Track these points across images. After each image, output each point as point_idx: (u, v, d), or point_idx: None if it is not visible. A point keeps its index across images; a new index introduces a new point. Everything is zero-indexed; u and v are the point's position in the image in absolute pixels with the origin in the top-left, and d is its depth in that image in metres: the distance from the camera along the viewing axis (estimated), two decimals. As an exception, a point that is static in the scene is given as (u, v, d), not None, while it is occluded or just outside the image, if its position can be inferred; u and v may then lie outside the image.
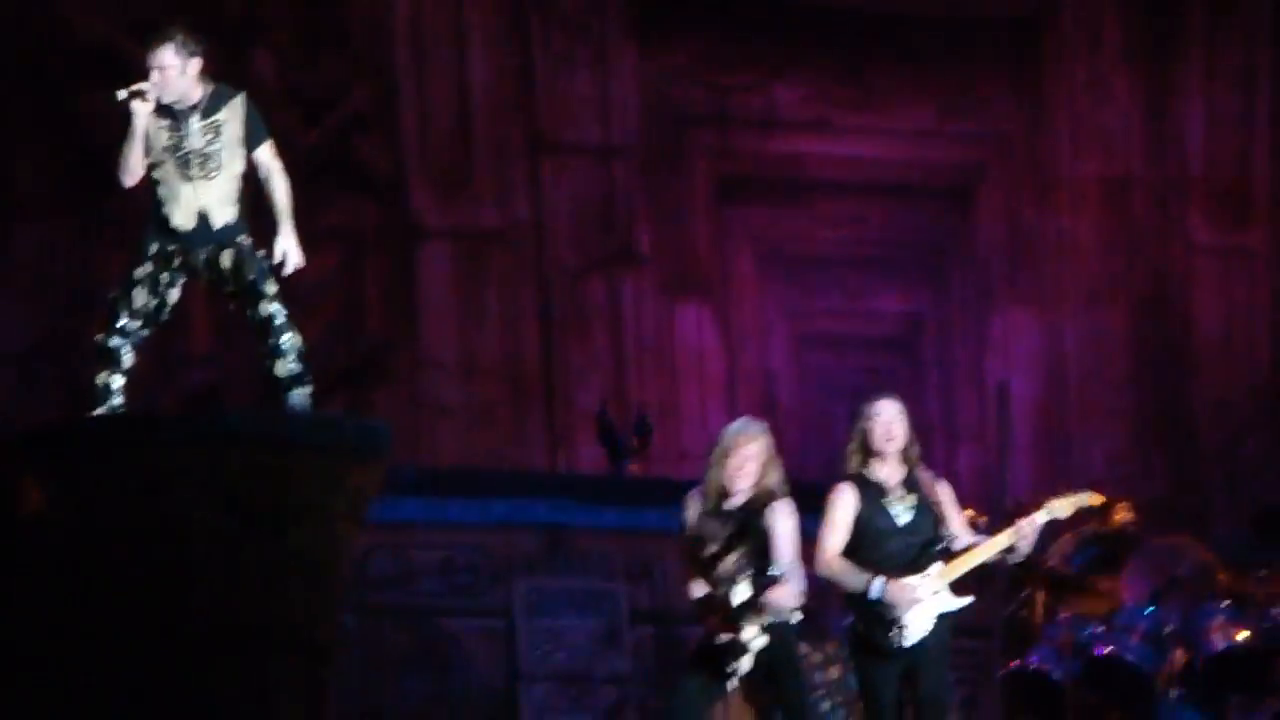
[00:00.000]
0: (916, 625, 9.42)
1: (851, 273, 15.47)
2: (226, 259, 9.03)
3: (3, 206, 13.90)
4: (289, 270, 9.09)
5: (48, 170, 13.96)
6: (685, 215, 15.29)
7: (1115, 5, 15.83)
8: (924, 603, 9.43)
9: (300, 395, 9.01)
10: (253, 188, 9.21)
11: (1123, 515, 12.62)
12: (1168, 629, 11.88)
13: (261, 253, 9.04)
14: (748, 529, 9.45)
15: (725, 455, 9.56)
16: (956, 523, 9.60)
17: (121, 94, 8.99)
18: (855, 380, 15.34)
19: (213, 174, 9.04)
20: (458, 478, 13.08)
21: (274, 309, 9.02)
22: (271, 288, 9.03)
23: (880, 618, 9.40)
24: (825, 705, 11.87)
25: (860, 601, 9.43)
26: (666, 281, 15.16)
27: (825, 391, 15.29)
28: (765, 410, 15.00)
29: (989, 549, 9.55)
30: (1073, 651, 11.94)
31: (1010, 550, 9.61)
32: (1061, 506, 9.75)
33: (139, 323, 9.03)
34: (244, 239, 9.05)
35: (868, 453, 9.59)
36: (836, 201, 15.43)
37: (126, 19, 13.55)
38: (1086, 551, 12.40)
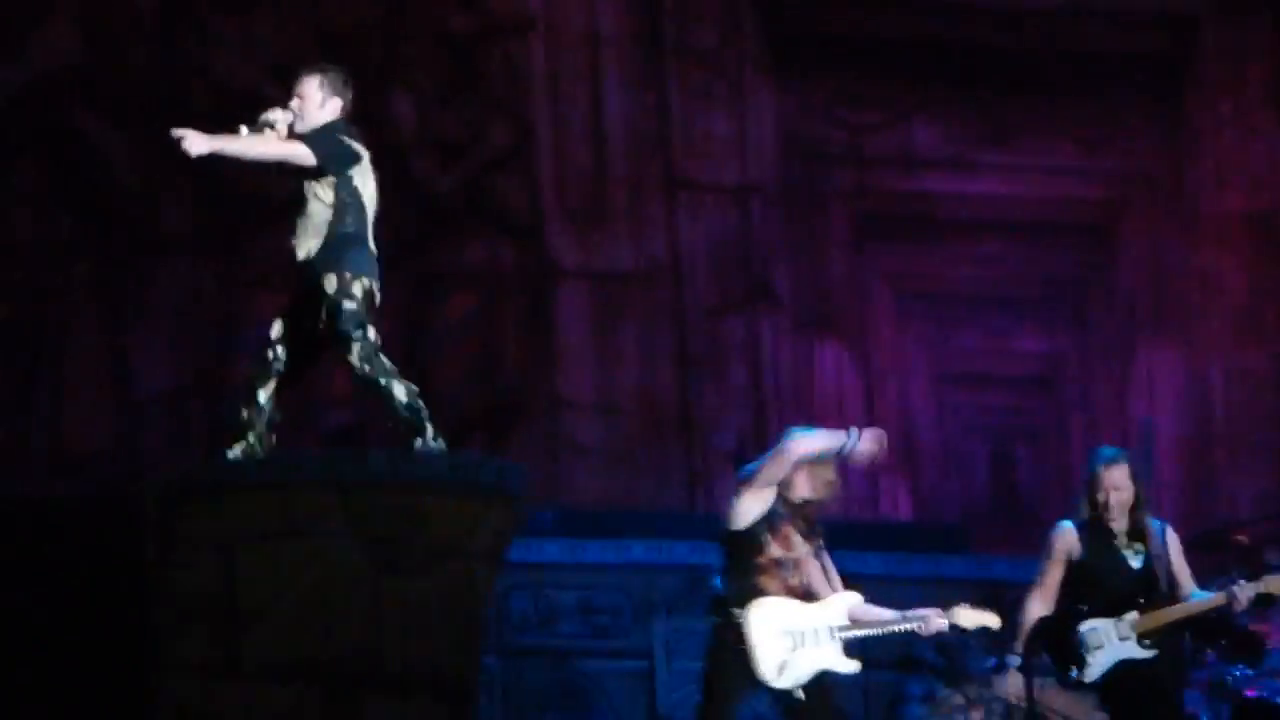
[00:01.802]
0: (1098, 664, 9.53)
1: (991, 312, 15.42)
2: (318, 299, 8.97)
3: (149, 247, 14.06)
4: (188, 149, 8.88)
5: (192, 212, 14.12)
6: (822, 254, 15.28)
7: (1259, 40, 15.73)
8: (1108, 647, 9.53)
9: (417, 445, 8.98)
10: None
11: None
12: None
13: (348, 300, 8.92)
14: None
15: None
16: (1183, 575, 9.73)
17: (244, 131, 9.04)
18: (995, 420, 15.33)
19: (303, 207, 9.06)
20: (596, 519, 13.12)
21: (354, 364, 8.91)
22: (355, 343, 8.89)
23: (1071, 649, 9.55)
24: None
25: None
26: (804, 321, 15.15)
27: (965, 431, 15.26)
28: (904, 451, 15.04)
29: (1194, 608, 9.65)
30: (1221, 694, 11.83)
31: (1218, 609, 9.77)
32: (1276, 582, 9.83)
33: (279, 359, 9.10)
34: (330, 278, 8.93)
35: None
36: (975, 240, 15.38)
37: (270, 63, 13.72)
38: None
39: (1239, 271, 15.59)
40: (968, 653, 10.94)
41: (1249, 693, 11.75)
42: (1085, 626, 9.70)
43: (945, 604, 10.87)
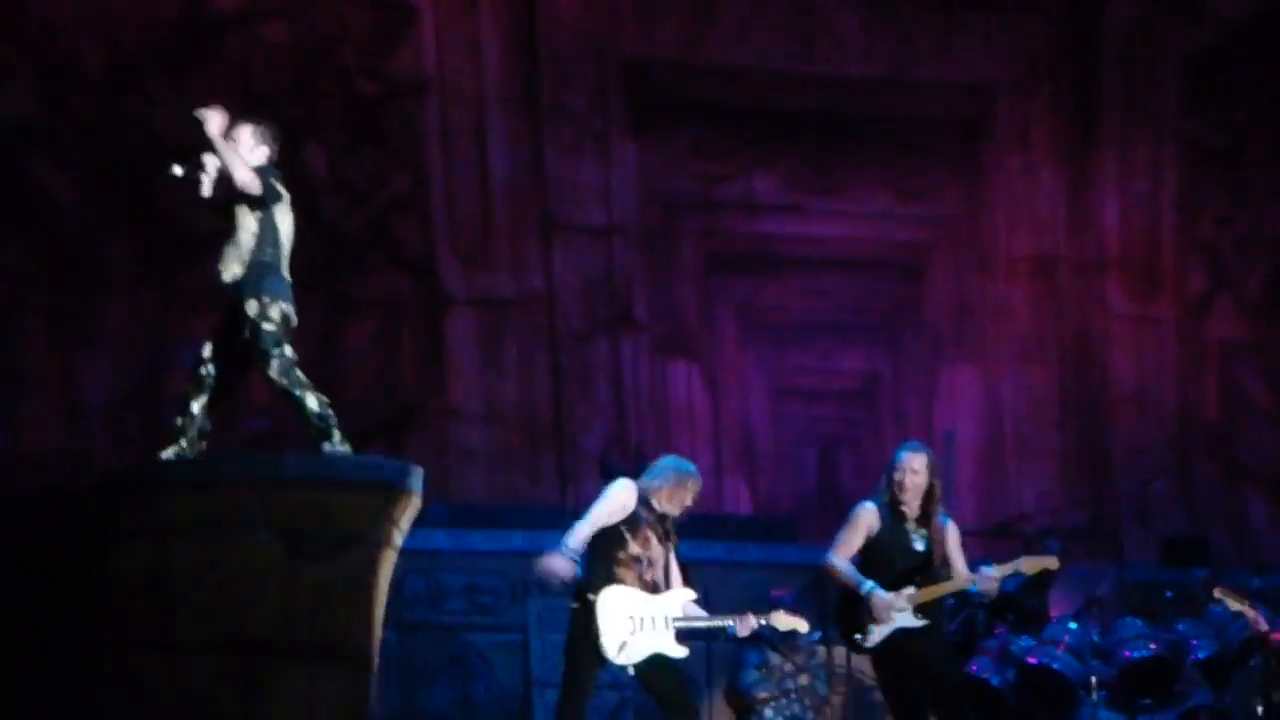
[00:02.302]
0: (879, 632, 9.49)
1: (819, 336, 15.42)
2: (241, 319, 8.90)
3: (94, 277, 13.92)
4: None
5: (131, 247, 13.99)
6: (677, 286, 15.28)
7: (1044, 107, 15.83)
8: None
9: (327, 449, 8.92)
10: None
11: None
12: (1088, 641, 11.89)
13: (267, 323, 8.87)
14: None
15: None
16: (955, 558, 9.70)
17: (177, 169, 9.01)
18: (822, 428, 15.35)
19: (230, 233, 9.00)
20: (480, 512, 13.07)
21: (273, 378, 8.85)
22: (274, 361, 8.84)
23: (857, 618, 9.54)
24: (796, 709, 11.86)
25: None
26: (660, 343, 15.13)
27: (796, 438, 15.28)
28: (745, 455, 15.08)
29: (951, 586, 9.62)
30: (1007, 661, 11.94)
31: (975, 591, 9.76)
32: (1029, 565, 9.86)
33: (207, 373, 9.07)
34: (252, 302, 8.87)
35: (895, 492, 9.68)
36: (807, 275, 15.40)
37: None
38: (1019, 576, 12.38)
39: (1025, 303, 15.69)
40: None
41: (1031, 660, 11.87)
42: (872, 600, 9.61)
43: (778, 586, 10.97)
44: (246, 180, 8.88)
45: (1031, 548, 12.41)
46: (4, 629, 8.66)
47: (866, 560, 9.54)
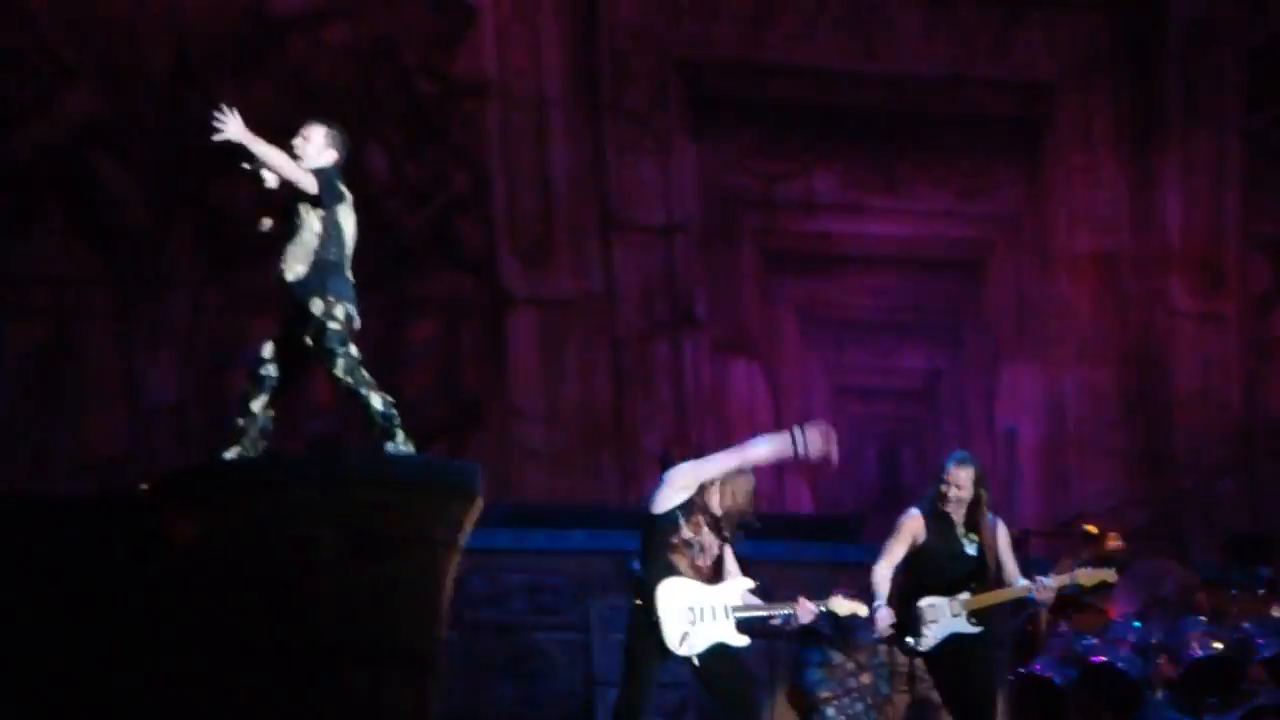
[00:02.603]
0: (933, 635, 9.52)
1: (880, 334, 15.40)
2: (305, 320, 8.89)
3: (159, 278, 14.00)
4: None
5: (196, 248, 14.07)
6: (737, 285, 15.27)
7: (1105, 104, 15.77)
8: (942, 622, 9.52)
9: (391, 449, 8.91)
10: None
11: (1113, 542, 12.58)
12: (1153, 640, 11.83)
13: (332, 322, 8.87)
14: None
15: None
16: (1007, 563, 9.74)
17: (245, 165, 8.95)
18: (883, 427, 15.33)
19: (291, 234, 8.96)
20: (542, 511, 13.10)
21: (339, 377, 8.84)
22: (340, 360, 8.83)
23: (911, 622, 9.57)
24: (859, 708, 11.85)
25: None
26: (720, 342, 15.13)
27: (858, 436, 15.26)
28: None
29: (1009, 594, 9.68)
30: (1071, 660, 11.91)
31: (1032, 599, 9.81)
32: (1086, 577, 9.90)
33: (271, 373, 9.05)
34: (316, 301, 8.87)
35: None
36: (867, 273, 15.37)
37: (264, 121, 13.67)
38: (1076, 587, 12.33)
39: (1087, 301, 15.62)
40: (858, 625, 10.96)
41: (1094, 659, 11.84)
42: (924, 602, 9.68)
43: (839, 585, 10.95)
44: (298, 178, 8.90)
45: (1093, 547, 12.39)
46: (68, 629, 8.72)
47: (918, 567, 9.61)
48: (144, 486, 9.16)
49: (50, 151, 13.92)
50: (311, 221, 8.98)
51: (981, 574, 9.59)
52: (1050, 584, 9.69)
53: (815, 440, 9.06)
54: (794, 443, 9.09)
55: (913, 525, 9.66)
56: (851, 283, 15.35)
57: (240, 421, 9.06)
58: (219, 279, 13.93)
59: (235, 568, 8.60)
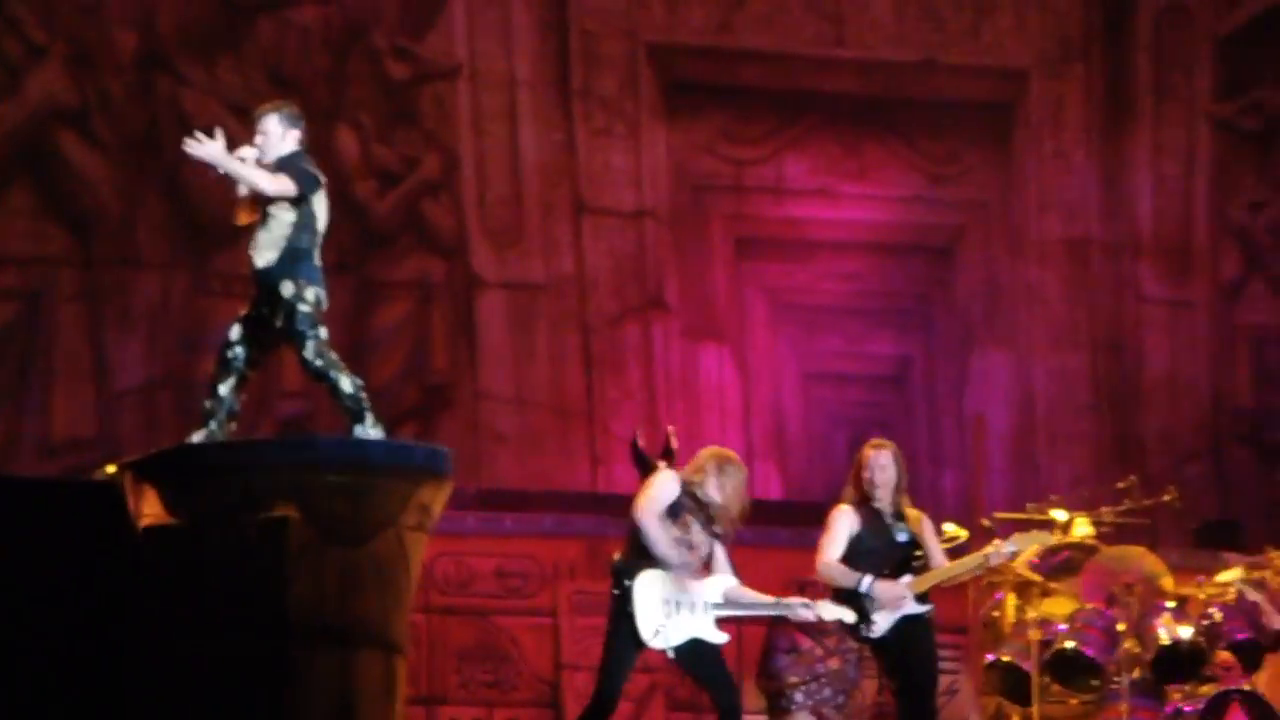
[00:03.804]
0: (885, 621, 9.64)
1: (850, 319, 15.39)
2: (275, 304, 8.89)
3: (127, 261, 13.96)
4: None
5: (165, 231, 14.03)
6: (707, 269, 15.26)
7: (1076, 90, 15.79)
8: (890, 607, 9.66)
9: (360, 431, 8.90)
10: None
11: (1081, 528, 12.61)
12: (1120, 626, 11.87)
13: (302, 304, 8.89)
14: None
15: None
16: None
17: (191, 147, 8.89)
18: (854, 412, 15.33)
19: (264, 220, 8.93)
20: (511, 496, 13.08)
21: (308, 360, 8.85)
22: (310, 342, 8.83)
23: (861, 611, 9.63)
24: (827, 693, 11.86)
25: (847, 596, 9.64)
26: (691, 327, 15.11)
27: (828, 422, 15.26)
28: (776, 439, 15.06)
29: (959, 567, 9.78)
30: (1039, 646, 11.92)
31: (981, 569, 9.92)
32: (1022, 541, 10.00)
33: (236, 357, 9.01)
34: (288, 284, 8.88)
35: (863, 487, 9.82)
36: (837, 258, 15.36)
37: (231, 103, 13.66)
38: (1051, 559, 12.39)
39: (1057, 286, 15.63)
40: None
41: (1063, 645, 11.85)
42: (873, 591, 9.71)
43: (808, 572, 10.97)
44: (279, 189, 8.86)
45: (1065, 533, 12.44)
46: (36, 614, 8.69)
47: (856, 561, 9.66)
48: (112, 469, 9.13)
49: (19, 133, 13.86)
50: (283, 209, 8.94)
51: (916, 558, 9.71)
52: (1001, 555, 9.84)
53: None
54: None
55: (847, 519, 9.74)
56: (822, 268, 15.34)
57: (208, 404, 9.05)
58: (188, 261, 13.89)
59: (203, 551, 8.59)
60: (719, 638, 9.29)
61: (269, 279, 8.91)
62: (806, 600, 9.62)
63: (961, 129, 15.54)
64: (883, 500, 9.78)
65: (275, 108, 9.12)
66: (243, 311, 9.05)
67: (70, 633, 8.64)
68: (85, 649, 8.63)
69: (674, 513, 9.29)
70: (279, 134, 9.03)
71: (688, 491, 9.35)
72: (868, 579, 9.57)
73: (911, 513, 9.87)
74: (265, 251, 8.92)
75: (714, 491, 9.39)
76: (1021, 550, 10.17)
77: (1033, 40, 15.69)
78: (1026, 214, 15.62)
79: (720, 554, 9.46)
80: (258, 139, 9.02)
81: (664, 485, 9.34)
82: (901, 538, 9.76)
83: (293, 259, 8.91)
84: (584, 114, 14.91)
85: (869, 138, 15.36)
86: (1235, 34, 15.86)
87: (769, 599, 9.54)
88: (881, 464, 9.80)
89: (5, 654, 8.80)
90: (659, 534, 9.19)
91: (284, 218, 8.94)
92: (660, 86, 15.06)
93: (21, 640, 8.73)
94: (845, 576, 9.63)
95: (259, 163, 8.93)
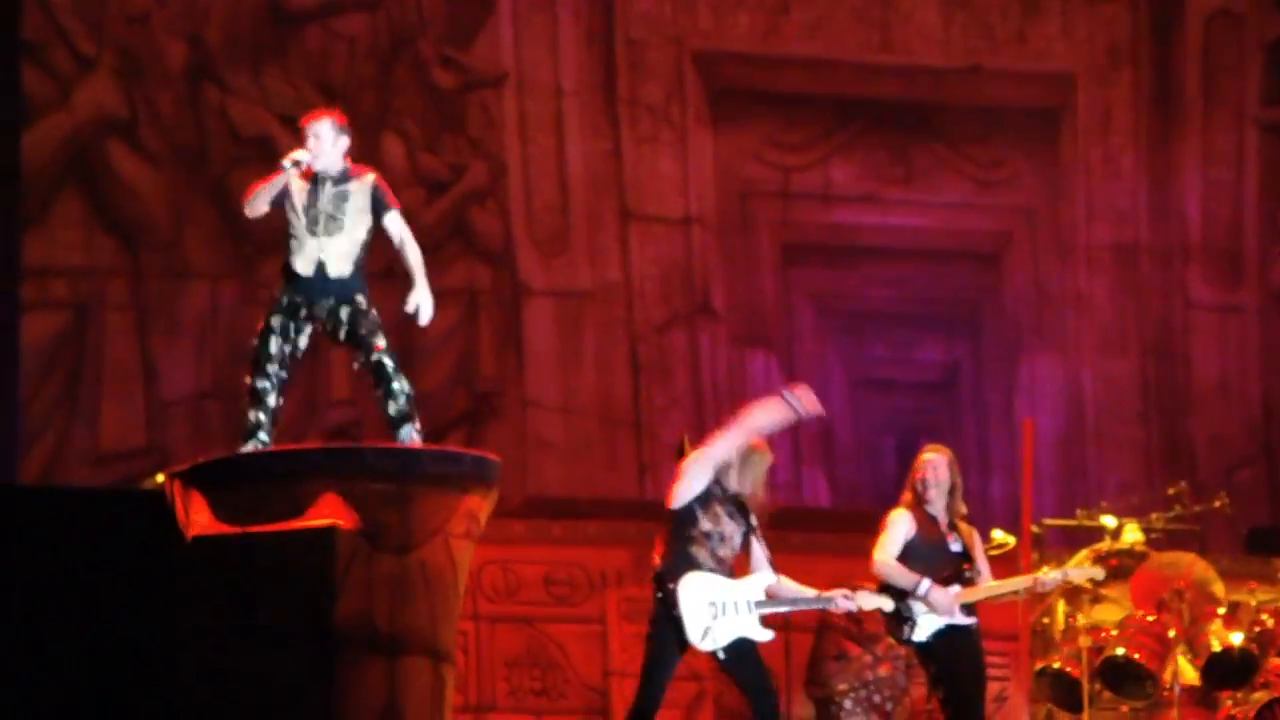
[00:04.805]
0: (927, 626, 9.67)
1: (898, 326, 15.37)
2: (344, 312, 9.09)
3: (176, 270, 14.02)
4: (423, 321, 9.17)
5: (213, 241, 14.08)
6: (754, 276, 15.25)
7: (1124, 94, 15.74)
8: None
9: (408, 431, 9.05)
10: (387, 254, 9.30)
11: (1132, 534, 12.57)
12: (1171, 633, 11.82)
13: (373, 311, 9.08)
14: None
15: None
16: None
17: (286, 161, 9.09)
18: (902, 419, 15.31)
19: (334, 232, 9.08)
20: (559, 503, 13.09)
21: (384, 358, 9.07)
22: (382, 340, 9.09)
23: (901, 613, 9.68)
24: (876, 699, 11.84)
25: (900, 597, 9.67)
26: (738, 333, 15.11)
27: (876, 428, 15.23)
28: (824, 446, 15.04)
29: (1006, 586, 9.84)
30: (1090, 652, 11.89)
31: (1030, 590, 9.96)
32: (1078, 576, 10.05)
33: (276, 366, 9.08)
34: (360, 296, 9.09)
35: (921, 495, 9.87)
36: (884, 264, 15.34)
37: (279, 112, 13.71)
38: (1100, 565, 12.34)
39: (1105, 292, 15.58)
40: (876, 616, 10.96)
41: (1113, 652, 11.80)
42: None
43: (857, 578, 10.95)
44: (414, 262, 9.15)
45: (1116, 539, 12.42)
46: (86, 621, 8.73)
47: (907, 565, 9.70)
48: (160, 478, 9.17)
49: (70, 143, 13.93)
50: (361, 225, 9.11)
51: (970, 568, 9.74)
52: (1048, 582, 9.88)
53: (806, 398, 9.38)
54: (789, 404, 9.25)
55: (904, 521, 9.77)
56: (869, 274, 15.32)
57: (256, 417, 9.08)
58: (237, 271, 13.95)
59: (252, 560, 8.61)
60: (765, 635, 9.32)
61: (344, 290, 9.06)
62: (846, 590, 9.64)
63: (1008, 134, 15.51)
64: (935, 505, 9.82)
65: (327, 112, 9.23)
66: (275, 322, 9.09)
67: (119, 643, 8.67)
68: (134, 659, 8.66)
69: (704, 502, 9.32)
70: (330, 139, 9.17)
71: (716, 480, 9.39)
72: (926, 582, 9.61)
73: (963, 526, 9.90)
74: (341, 263, 9.04)
75: (735, 482, 9.42)
76: (1071, 579, 10.23)
77: (1080, 45, 15.64)
78: (1075, 219, 15.57)
79: (759, 550, 9.48)
80: (311, 143, 9.13)
81: (693, 465, 9.37)
82: (955, 548, 9.82)
83: (360, 272, 9.13)
84: (630, 121, 14.93)
85: (916, 144, 15.34)
86: (1284, 38, 15.81)
87: (810, 592, 9.57)
88: (935, 466, 9.84)
89: (56, 663, 8.84)
90: (713, 452, 9.17)
91: (360, 233, 9.12)
92: (706, 93, 15.06)
93: (71, 650, 8.77)
94: (904, 577, 9.68)
95: (310, 166, 9.05)
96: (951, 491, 9.84)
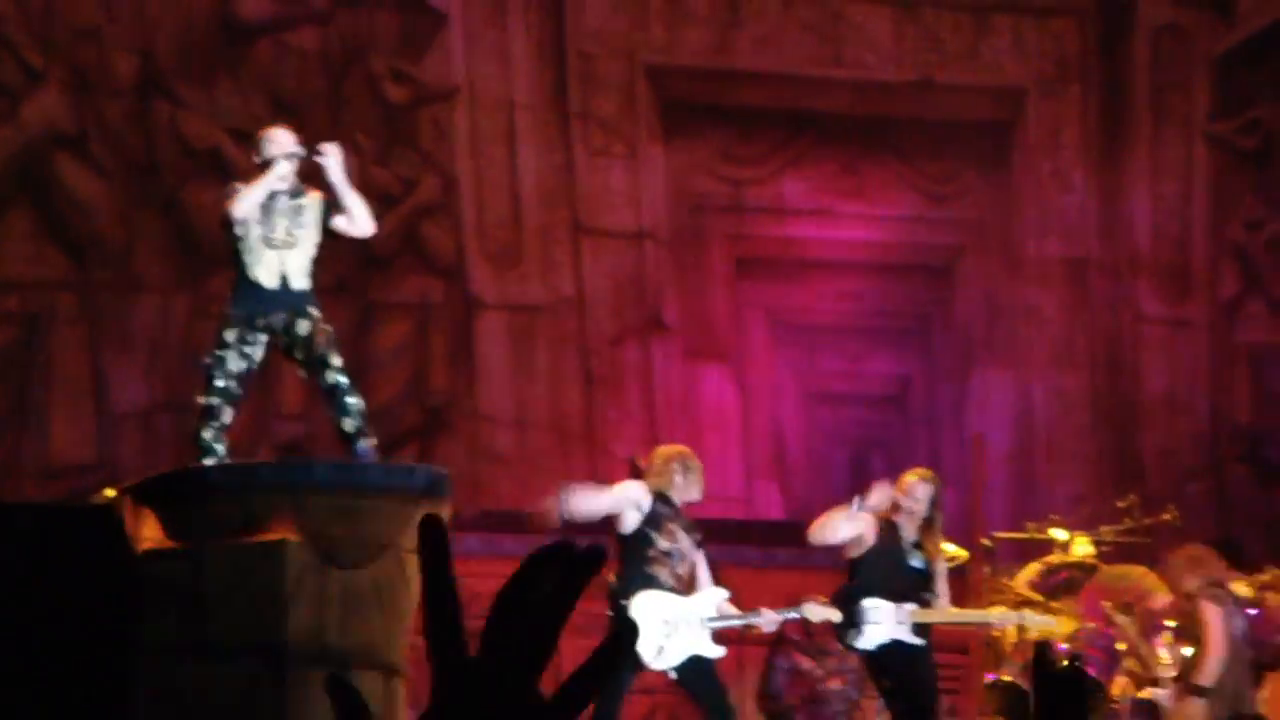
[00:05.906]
0: (874, 636, 9.72)
1: (850, 339, 15.43)
2: (302, 326, 9.08)
3: (127, 283, 13.98)
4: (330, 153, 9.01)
5: (164, 254, 14.05)
6: (706, 289, 15.28)
7: (1074, 109, 15.83)
8: (885, 625, 9.70)
9: (364, 446, 9.06)
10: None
11: (1082, 547, 12.62)
12: (1121, 646, 11.86)
13: (329, 326, 9.11)
14: None
15: None
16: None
17: (282, 158, 9.09)
18: (853, 431, 15.34)
19: (292, 246, 9.09)
20: (511, 516, 13.07)
21: (338, 377, 9.06)
22: (337, 359, 9.09)
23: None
24: (828, 713, 11.86)
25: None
26: (690, 347, 15.14)
27: (828, 442, 15.27)
28: (776, 458, 15.07)
29: (961, 617, 9.90)
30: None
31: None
32: (1035, 627, 10.11)
33: (233, 382, 9.07)
34: (315, 310, 9.11)
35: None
36: (836, 278, 15.39)
37: (230, 126, 13.69)
38: (1050, 578, 12.40)
39: (1056, 306, 15.67)
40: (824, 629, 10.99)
41: (1063, 665, 11.86)
42: (869, 602, 9.76)
43: (810, 591, 10.99)
44: (371, 229, 9.05)
45: (1066, 552, 12.45)
46: (37, 636, 8.70)
47: (864, 572, 9.68)
48: (111, 492, 9.14)
49: (19, 157, 13.88)
50: (314, 239, 9.11)
51: (927, 589, 9.75)
52: (997, 622, 9.98)
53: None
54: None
55: (867, 521, 9.79)
56: (821, 287, 15.36)
57: (210, 433, 9.06)
58: (187, 284, 13.92)
59: (203, 574, 8.58)
60: (717, 652, 9.34)
61: (302, 303, 9.07)
62: (773, 613, 9.66)
63: (960, 149, 15.59)
64: (905, 527, 9.82)
65: (285, 128, 9.28)
66: (229, 336, 9.07)
67: (69, 657, 8.64)
68: (85, 673, 8.64)
69: (656, 523, 9.33)
70: (284, 145, 9.18)
71: (661, 498, 9.39)
72: (858, 499, 9.64)
73: (933, 549, 9.89)
74: (300, 277, 9.05)
75: (683, 492, 9.45)
76: (1028, 626, 10.30)
77: (1030, 60, 15.72)
78: (1025, 233, 15.65)
79: (703, 566, 9.51)
80: (264, 146, 9.15)
81: (628, 488, 9.41)
82: (915, 564, 9.79)
83: (313, 286, 9.15)
84: (582, 135, 14.95)
85: (867, 158, 15.40)
86: (1232, 53, 15.89)
87: (754, 612, 9.59)
88: (917, 495, 9.81)
89: (4, 679, 8.80)
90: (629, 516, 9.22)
91: (311, 247, 9.15)
92: (658, 108, 15.09)
93: (20, 665, 8.73)
94: (840, 512, 9.68)
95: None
96: (927, 521, 9.84)
